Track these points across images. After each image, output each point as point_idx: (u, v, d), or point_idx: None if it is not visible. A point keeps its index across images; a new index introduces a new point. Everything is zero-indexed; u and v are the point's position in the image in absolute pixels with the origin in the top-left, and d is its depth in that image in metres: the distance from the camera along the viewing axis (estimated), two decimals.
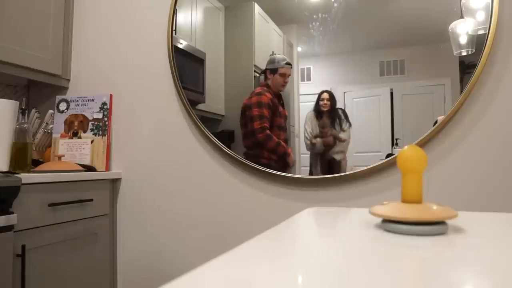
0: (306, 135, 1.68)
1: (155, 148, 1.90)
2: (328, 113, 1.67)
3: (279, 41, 1.76)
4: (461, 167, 1.49)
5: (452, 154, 1.50)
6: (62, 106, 1.98)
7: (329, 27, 1.65)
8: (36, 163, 1.79)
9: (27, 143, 1.62)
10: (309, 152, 1.68)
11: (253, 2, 1.77)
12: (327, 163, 1.67)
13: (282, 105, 1.72)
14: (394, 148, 1.58)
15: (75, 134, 1.93)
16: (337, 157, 1.64)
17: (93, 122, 1.93)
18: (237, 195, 1.76)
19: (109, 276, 1.84)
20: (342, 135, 1.65)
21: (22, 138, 1.61)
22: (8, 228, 1.27)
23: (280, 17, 1.76)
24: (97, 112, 1.94)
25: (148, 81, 1.93)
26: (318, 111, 1.69)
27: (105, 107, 1.93)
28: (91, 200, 1.68)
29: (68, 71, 2.06)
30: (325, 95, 1.67)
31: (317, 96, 1.68)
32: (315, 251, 0.32)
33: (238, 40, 1.79)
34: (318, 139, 1.65)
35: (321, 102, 1.68)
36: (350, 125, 1.65)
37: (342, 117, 1.66)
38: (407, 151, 0.54)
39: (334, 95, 1.66)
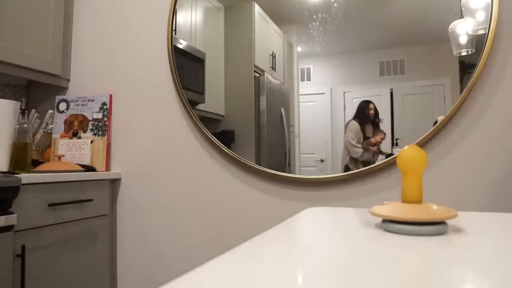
0: (353, 143, 1.65)
1: (154, 148, 1.90)
2: (371, 122, 1.66)
3: (279, 41, 1.76)
4: (461, 167, 1.49)
5: (452, 154, 1.50)
6: (62, 106, 1.98)
7: (329, 27, 1.65)
8: (36, 163, 1.79)
9: (27, 143, 1.62)
10: (309, 153, 1.68)
11: (253, 2, 1.77)
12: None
13: None
14: (394, 148, 1.58)
15: (75, 134, 1.93)
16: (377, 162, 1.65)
17: (93, 122, 1.93)
18: (237, 195, 1.76)
19: (109, 276, 1.84)
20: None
21: (22, 138, 1.61)
22: (8, 228, 1.27)
23: (280, 17, 1.76)
24: (97, 112, 1.94)
25: (148, 81, 1.93)
26: (365, 119, 1.66)
27: (105, 107, 1.93)
28: (91, 200, 1.68)
29: (68, 71, 2.06)
30: (372, 105, 1.66)
31: (359, 105, 1.65)
32: (315, 251, 0.32)
33: (238, 40, 1.79)
34: (369, 149, 1.65)
35: (370, 111, 1.66)
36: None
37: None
38: (407, 151, 0.54)
39: (333, 95, 1.66)
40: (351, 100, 1.64)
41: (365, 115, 1.65)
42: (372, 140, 1.64)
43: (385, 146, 1.59)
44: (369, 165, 1.61)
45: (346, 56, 1.66)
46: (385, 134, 1.61)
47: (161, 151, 1.89)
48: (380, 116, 1.62)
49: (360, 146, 1.65)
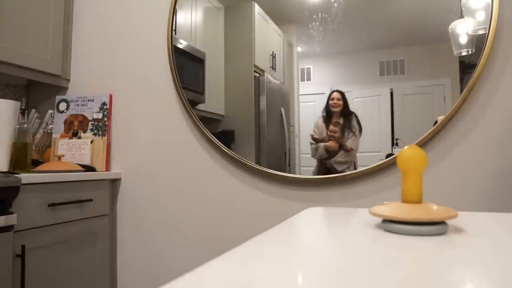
0: (310, 140, 1.55)
1: (155, 148, 1.90)
2: (340, 114, 1.52)
3: (279, 41, 1.76)
4: (461, 167, 1.49)
5: (452, 154, 1.50)
6: (62, 106, 1.97)
7: (329, 27, 1.65)
8: (36, 163, 1.79)
9: (27, 143, 1.62)
10: (309, 153, 1.68)
11: (253, 2, 1.77)
12: (327, 172, 1.53)
13: None
14: (394, 148, 1.58)
15: (75, 134, 1.93)
16: (339, 167, 1.52)
17: (93, 122, 1.93)
18: (237, 195, 1.76)
19: (109, 276, 1.84)
20: (349, 143, 1.50)
21: (22, 138, 1.61)
22: (8, 228, 1.27)
23: (280, 17, 1.76)
24: (97, 112, 1.94)
25: (148, 81, 1.93)
26: (327, 113, 1.55)
27: (105, 107, 1.93)
28: (91, 200, 1.68)
29: (68, 71, 2.06)
30: (336, 95, 1.51)
31: (327, 97, 1.57)
32: (315, 251, 0.32)
33: (238, 40, 1.79)
34: (320, 144, 1.50)
35: (331, 102, 1.52)
36: (361, 131, 1.50)
37: (355, 121, 1.53)
38: (407, 151, 0.54)
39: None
40: (351, 100, 1.64)
41: (327, 107, 1.55)
42: (327, 133, 1.49)
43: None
44: (325, 166, 1.48)
45: (346, 56, 1.66)
46: (340, 124, 1.44)
47: (161, 151, 1.89)
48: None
49: (313, 143, 1.53)
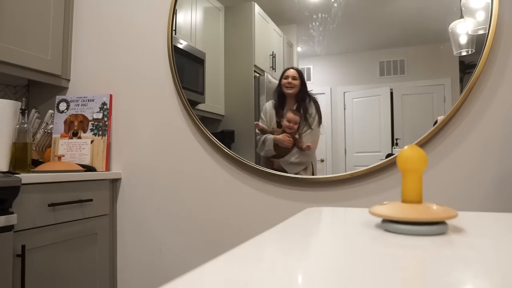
0: (257, 130, 1.09)
1: (155, 148, 1.90)
2: (295, 98, 1.10)
3: (279, 41, 1.76)
4: (461, 167, 1.49)
5: (452, 154, 1.50)
6: (62, 106, 1.97)
7: (329, 27, 1.65)
8: (36, 163, 1.79)
9: (27, 143, 1.62)
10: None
11: (253, 2, 1.77)
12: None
13: None
14: (394, 148, 1.58)
15: (75, 134, 1.93)
16: (292, 169, 1.09)
17: (93, 122, 1.93)
18: (237, 195, 1.76)
19: (109, 276, 1.84)
20: (305, 138, 1.07)
21: (22, 138, 1.61)
22: (8, 228, 1.27)
23: (280, 17, 1.76)
24: (97, 112, 1.94)
25: (148, 81, 1.93)
26: (280, 95, 1.10)
27: (105, 107, 1.93)
28: (91, 200, 1.68)
29: (68, 71, 2.06)
30: (292, 72, 1.09)
31: (280, 75, 1.11)
32: (315, 251, 0.32)
33: (238, 40, 1.79)
34: (269, 136, 1.05)
35: (284, 81, 1.11)
36: (320, 122, 1.11)
37: (313, 108, 1.13)
38: (407, 151, 0.54)
39: (333, 95, 1.62)
40: (351, 100, 1.64)
41: (279, 88, 1.08)
42: (284, 123, 1.02)
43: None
44: (272, 166, 0.98)
45: (346, 56, 1.66)
46: (299, 116, 0.97)
47: (161, 151, 1.89)
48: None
49: (259, 133, 1.03)
